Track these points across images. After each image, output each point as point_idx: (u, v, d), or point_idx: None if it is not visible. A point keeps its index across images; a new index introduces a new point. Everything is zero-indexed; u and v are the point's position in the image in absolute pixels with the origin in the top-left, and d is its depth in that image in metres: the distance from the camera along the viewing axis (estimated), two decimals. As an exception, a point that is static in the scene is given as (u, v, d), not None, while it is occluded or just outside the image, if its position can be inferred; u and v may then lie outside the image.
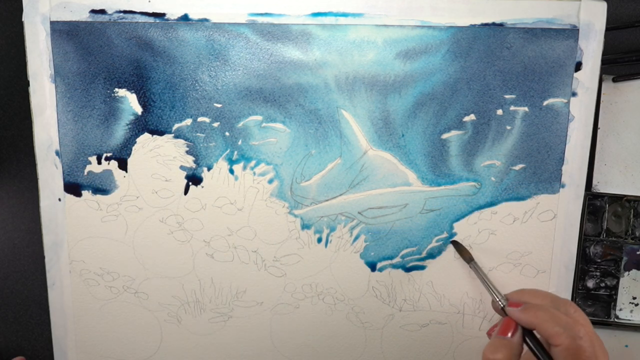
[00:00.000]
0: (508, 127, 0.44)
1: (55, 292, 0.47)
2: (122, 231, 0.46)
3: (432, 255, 0.46)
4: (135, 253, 0.47)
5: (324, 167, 0.45)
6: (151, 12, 0.43)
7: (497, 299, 0.39)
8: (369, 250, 0.46)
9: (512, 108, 0.44)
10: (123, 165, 0.45)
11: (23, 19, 0.43)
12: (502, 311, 0.39)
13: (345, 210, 0.46)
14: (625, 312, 0.48)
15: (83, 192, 0.45)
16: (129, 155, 0.45)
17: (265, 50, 0.43)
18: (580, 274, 0.48)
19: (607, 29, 0.43)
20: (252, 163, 0.45)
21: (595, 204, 0.47)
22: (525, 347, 0.37)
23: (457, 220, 0.45)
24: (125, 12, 0.43)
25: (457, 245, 0.45)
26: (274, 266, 0.47)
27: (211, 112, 0.44)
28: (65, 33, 0.43)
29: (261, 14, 0.43)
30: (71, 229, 0.46)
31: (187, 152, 0.45)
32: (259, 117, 0.44)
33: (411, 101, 0.44)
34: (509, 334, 0.36)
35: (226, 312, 0.48)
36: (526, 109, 0.44)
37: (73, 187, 0.45)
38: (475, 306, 0.47)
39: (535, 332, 0.36)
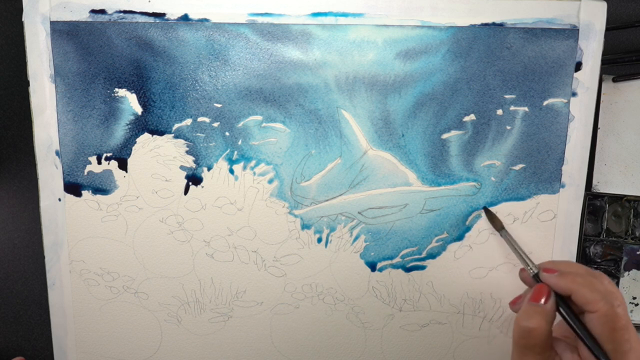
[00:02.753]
0: (508, 127, 0.44)
1: (55, 292, 0.47)
2: (122, 231, 0.46)
3: (432, 255, 0.46)
4: (135, 253, 0.47)
5: (324, 167, 0.45)
6: (151, 12, 0.43)
7: (530, 267, 0.39)
8: (369, 250, 0.46)
9: (512, 108, 0.44)
10: (123, 165, 0.45)
11: (23, 19, 0.43)
12: (532, 280, 0.39)
13: (345, 210, 0.46)
14: (625, 312, 0.48)
15: (83, 192, 0.45)
16: (129, 155, 0.45)
17: (265, 50, 0.43)
18: (580, 274, 0.47)
19: (607, 29, 0.43)
20: (252, 163, 0.45)
21: (595, 204, 0.47)
22: (557, 316, 0.36)
23: (457, 220, 0.45)
24: (125, 12, 0.43)
25: (489, 213, 0.45)
26: (274, 266, 0.47)
27: (211, 112, 0.44)
28: (65, 33, 0.43)
29: (261, 14, 0.43)
30: (71, 229, 0.46)
31: (187, 152, 0.45)
32: (259, 117, 0.44)
33: (411, 101, 0.44)
34: (542, 301, 0.35)
35: (226, 312, 0.48)
36: (526, 109, 0.44)
37: (73, 187, 0.45)
38: (475, 306, 0.47)
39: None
